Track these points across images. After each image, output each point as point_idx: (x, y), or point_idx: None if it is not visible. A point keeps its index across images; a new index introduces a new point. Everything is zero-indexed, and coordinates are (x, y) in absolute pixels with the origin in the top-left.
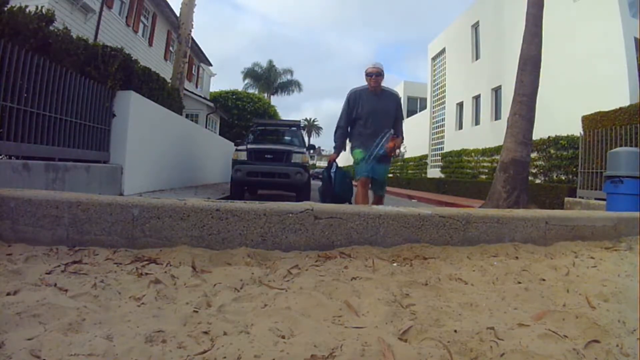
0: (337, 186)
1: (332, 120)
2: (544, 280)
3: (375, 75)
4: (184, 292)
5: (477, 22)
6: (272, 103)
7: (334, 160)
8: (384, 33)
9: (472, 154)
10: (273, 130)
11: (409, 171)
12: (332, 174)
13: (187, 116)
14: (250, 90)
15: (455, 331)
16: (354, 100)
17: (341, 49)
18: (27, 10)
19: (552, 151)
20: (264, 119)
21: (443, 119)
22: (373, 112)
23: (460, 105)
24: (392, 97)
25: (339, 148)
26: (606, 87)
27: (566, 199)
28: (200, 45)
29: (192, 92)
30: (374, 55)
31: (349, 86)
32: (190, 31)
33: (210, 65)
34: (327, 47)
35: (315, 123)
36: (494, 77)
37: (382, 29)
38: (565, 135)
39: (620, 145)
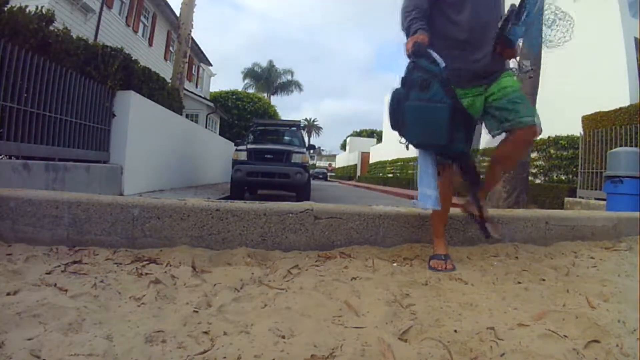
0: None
1: (332, 120)
2: (544, 280)
3: None
4: (184, 292)
5: None
6: (272, 103)
7: (425, 45)
8: (384, 32)
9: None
10: (273, 130)
11: (409, 171)
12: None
13: (187, 116)
14: (250, 91)
15: (455, 331)
16: None
17: (341, 48)
18: (27, 10)
19: (552, 151)
20: (264, 119)
21: None
22: None
23: None
24: None
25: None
26: (606, 87)
27: (566, 199)
28: (200, 45)
29: (192, 92)
30: (375, 54)
31: (349, 86)
32: (190, 31)
33: (210, 65)
34: (326, 46)
35: (315, 123)
36: None
37: (382, 28)
38: (565, 135)
39: (620, 145)
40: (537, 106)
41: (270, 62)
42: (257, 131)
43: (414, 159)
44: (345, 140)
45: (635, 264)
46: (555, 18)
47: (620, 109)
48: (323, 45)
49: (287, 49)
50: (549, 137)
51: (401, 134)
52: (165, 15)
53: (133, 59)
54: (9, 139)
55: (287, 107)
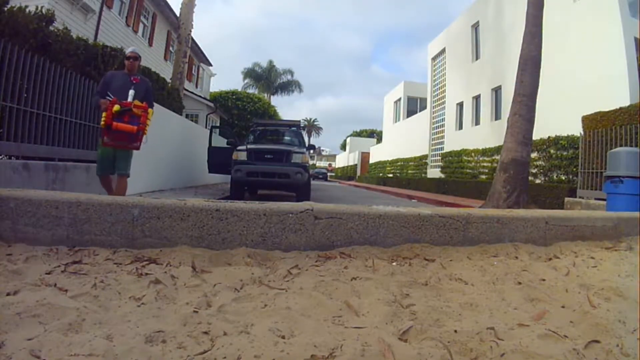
0: None
1: (330, 118)
2: (544, 280)
3: None
4: (184, 292)
5: (477, 22)
6: (272, 103)
7: None
8: (381, 28)
9: (472, 154)
10: (273, 131)
11: (409, 171)
12: None
13: (187, 116)
14: (250, 91)
15: (455, 331)
16: None
17: (339, 46)
18: (27, 10)
19: (552, 151)
20: (264, 119)
21: (443, 119)
22: None
23: (460, 105)
24: None
25: None
26: (606, 87)
27: (566, 199)
28: (200, 45)
29: (192, 92)
30: (372, 49)
31: (345, 82)
32: (190, 31)
33: (210, 65)
34: (326, 45)
35: (316, 123)
36: (494, 77)
37: (379, 26)
38: (565, 135)
39: (620, 145)
40: (538, 106)
41: (271, 62)
42: (257, 131)
43: (414, 159)
44: (345, 140)
45: (635, 264)
46: None
47: (620, 109)
48: (323, 43)
49: (286, 47)
50: (549, 137)
51: None
52: (165, 15)
53: None
54: (9, 139)
55: (287, 107)
